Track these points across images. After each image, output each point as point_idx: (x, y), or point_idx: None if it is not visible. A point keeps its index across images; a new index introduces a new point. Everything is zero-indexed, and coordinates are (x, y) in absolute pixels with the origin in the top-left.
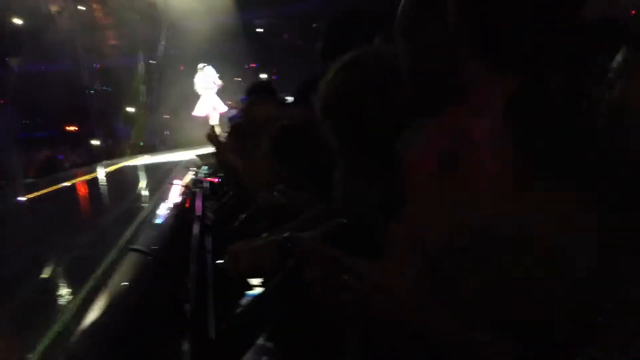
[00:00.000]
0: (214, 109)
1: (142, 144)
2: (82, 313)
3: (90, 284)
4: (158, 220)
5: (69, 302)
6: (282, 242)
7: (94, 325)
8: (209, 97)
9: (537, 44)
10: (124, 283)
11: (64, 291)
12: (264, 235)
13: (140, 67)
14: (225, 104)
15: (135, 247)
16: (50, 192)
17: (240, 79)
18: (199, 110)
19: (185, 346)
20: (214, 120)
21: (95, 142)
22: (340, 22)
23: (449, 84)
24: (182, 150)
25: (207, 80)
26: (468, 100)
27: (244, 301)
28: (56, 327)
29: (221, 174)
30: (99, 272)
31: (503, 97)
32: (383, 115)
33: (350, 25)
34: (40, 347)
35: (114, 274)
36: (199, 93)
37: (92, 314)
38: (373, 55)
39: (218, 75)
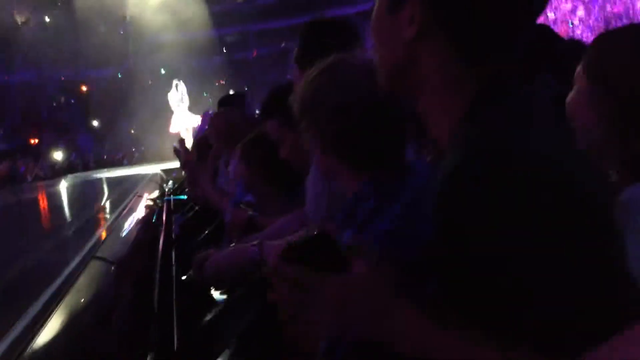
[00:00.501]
0: (186, 127)
1: (105, 157)
2: (42, 317)
3: (52, 289)
4: (122, 232)
5: (28, 308)
6: (250, 250)
7: (53, 334)
8: (182, 113)
9: (505, 37)
10: (86, 290)
11: (25, 296)
12: (232, 244)
13: (108, 80)
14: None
15: (99, 255)
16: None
17: (207, 95)
18: (174, 127)
19: (149, 357)
20: (187, 136)
21: (58, 155)
22: (316, 28)
23: (420, 78)
24: (147, 165)
25: (180, 97)
26: (434, 90)
27: (208, 314)
28: (14, 333)
29: (187, 189)
30: (61, 278)
31: (471, 90)
32: (361, 118)
33: (327, 33)
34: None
35: (77, 281)
36: (173, 109)
37: (53, 322)
38: (352, 60)
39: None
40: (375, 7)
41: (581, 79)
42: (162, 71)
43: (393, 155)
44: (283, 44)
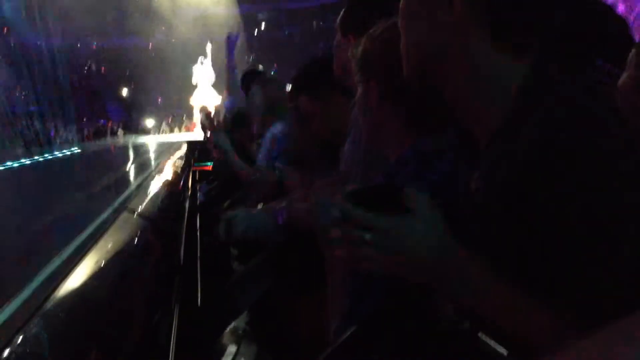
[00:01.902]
0: (206, 103)
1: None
2: (73, 262)
3: (85, 234)
4: (152, 191)
5: (61, 251)
6: (279, 210)
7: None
8: (204, 89)
9: (545, 30)
10: (117, 239)
11: (59, 240)
12: (260, 206)
13: (139, 50)
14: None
15: (130, 207)
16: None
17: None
18: (194, 101)
19: (173, 311)
20: (210, 109)
21: (90, 121)
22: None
23: (455, 66)
24: (174, 134)
25: (204, 73)
26: (473, 83)
27: (229, 275)
28: (46, 274)
29: (213, 160)
30: (94, 225)
31: (512, 82)
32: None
33: (373, 3)
34: (27, 292)
35: (109, 229)
36: (195, 84)
37: (83, 266)
38: None
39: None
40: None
41: (633, 67)
42: (194, 45)
43: (441, 123)
44: (287, 32)
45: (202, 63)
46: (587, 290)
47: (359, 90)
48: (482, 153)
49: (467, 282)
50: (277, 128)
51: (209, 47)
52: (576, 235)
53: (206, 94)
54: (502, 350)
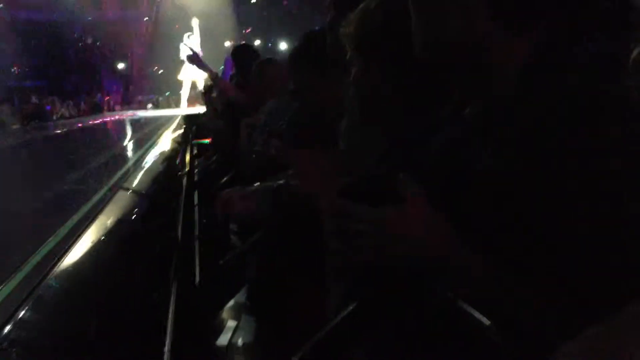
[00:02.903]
0: (192, 78)
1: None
2: (70, 240)
3: (80, 214)
4: (148, 168)
5: (57, 230)
6: (276, 189)
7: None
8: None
9: (554, 6)
10: (114, 217)
11: (54, 220)
12: (256, 184)
13: (136, 23)
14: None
15: (125, 186)
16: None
17: (232, 43)
18: (183, 75)
19: (171, 289)
20: (199, 83)
21: (86, 95)
22: None
23: (464, 45)
24: (171, 109)
25: (191, 46)
26: (484, 61)
27: (226, 255)
28: (44, 249)
29: (211, 136)
30: (90, 204)
31: (519, 59)
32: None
33: None
34: (27, 267)
35: (105, 208)
36: (183, 59)
37: (79, 245)
38: None
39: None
40: None
41: None
42: (190, 18)
43: (443, 96)
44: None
45: (188, 37)
46: (601, 275)
47: (355, 69)
48: (490, 128)
49: (462, 265)
50: (272, 104)
51: (195, 22)
52: (594, 213)
53: (194, 69)
54: (485, 321)
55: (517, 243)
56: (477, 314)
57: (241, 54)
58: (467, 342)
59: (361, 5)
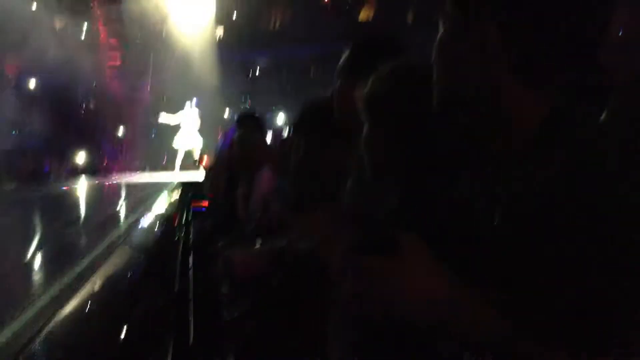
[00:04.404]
0: (186, 146)
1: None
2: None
3: (79, 268)
4: (145, 228)
5: (57, 282)
6: (279, 250)
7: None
8: (190, 131)
9: (572, 67)
10: (113, 271)
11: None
12: (258, 245)
13: (137, 92)
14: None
15: (126, 242)
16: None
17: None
18: (177, 143)
19: (167, 349)
20: (196, 153)
21: (81, 159)
22: (363, 44)
23: (483, 98)
24: (167, 174)
25: (190, 116)
26: (502, 115)
27: (222, 315)
28: (41, 304)
29: (208, 200)
30: (89, 259)
31: (537, 113)
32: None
33: (374, 48)
34: (25, 317)
35: (105, 263)
36: (181, 126)
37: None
38: (420, 64)
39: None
40: (445, 33)
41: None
42: (191, 86)
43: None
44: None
45: (190, 107)
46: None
47: (365, 128)
48: (503, 181)
49: (463, 315)
50: (267, 171)
51: (187, 104)
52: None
53: (190, 137)
54: None
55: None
56: None
57: (245, 122)
58: None
59: (376, 70)
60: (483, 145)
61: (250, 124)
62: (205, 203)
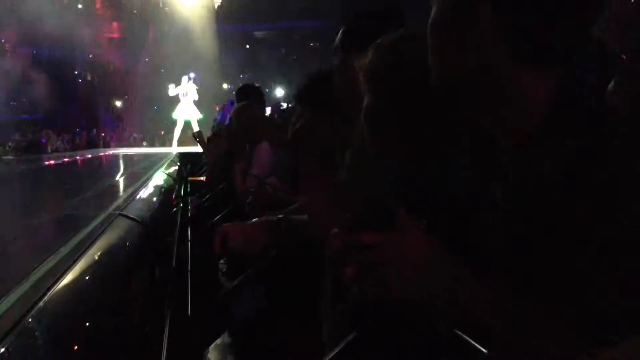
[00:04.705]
0: (185, 118)
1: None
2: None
3: (74, 242)
4: (146, 198)
5: (53, 254)
6: (276, 221)
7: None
8: (188, 104)
9: (571, 44)
10: (111, 242)
11: (51, 244)
12: (255, 219)
13: (135, 63)
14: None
15: (123, 213)
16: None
17: (230, 87)
18: (177, 114)
19: (165, 318)
20: (194, 125)
21: (82, 131)
22: (365, 15)
23: (481, 79)
24: (165, 147)
25: (189, 89)
26: (501, 96)
27: (220, 290)
28: (37, 276)
29: (206, 173)
30: (88, 229)
31: (538, 95)
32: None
33: (376, 19)
34: (12, 298)
35: (102, 234)
36: (180, 98)
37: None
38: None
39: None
40: (436, 14)
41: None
42: (190, 59)
43: (454, 133)
44: (311, 44)
45: (190, 79)
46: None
47: (366, 100)
48: (507, 165)
49: (457, 290)
50: (266, 144)
51: (184, 79)
52: (609, 253)
53: (189, 109)
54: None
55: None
56: (475, 344)
57: (245, 93)
58: None
59: (377, 41)
60: (482, 126)
61: (250, 95)
62: (204, 176)
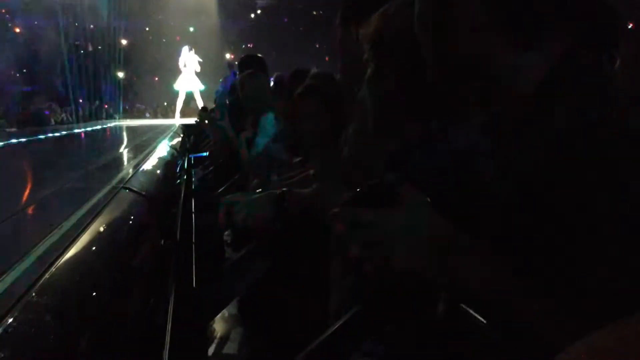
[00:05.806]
0: (187, 89)
1: (129, 108)
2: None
3: (78, 215)
4: (150, 170)
5: (59, 226)
6: (279, 195)
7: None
8: (190, 75)
9: (563, 24)
10: (115, 214)
11: (57, 216)
12: (259, 190)
13: (136, 33)
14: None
15: (127, 186)
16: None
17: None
18: (179, 85)
19: (170, 289)
20: (197, 97)
21: (82, 102)
22: None
23: (474, 59)
24: (168, 119)
25: (188, 60)
26: (494, 74)
27: (224, 261)
28: (41, 249)
29: (209, 147)
30: (92, 202)
31: (532, 72)
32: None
33: None
34: (16, 272)
35: (107, 206)
36: (182, 70)
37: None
38: None
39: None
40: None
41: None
42: (191, 29)
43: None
44: (314, 12)
45: (190, 49)
46: (604, 283)
47: (370, 69)
48: (502, 141)
49: (465, 267)
50: (271, 115)
51: (185, 49)
52: (599, 229)
53: (191, 79)
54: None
55: (525, 249)
56: (476, 315)
57: (248, 64)
58: (468, 344)
59: (381, 9)
60: (478, 102)
61: (253, 66)
62: (207, 148)
